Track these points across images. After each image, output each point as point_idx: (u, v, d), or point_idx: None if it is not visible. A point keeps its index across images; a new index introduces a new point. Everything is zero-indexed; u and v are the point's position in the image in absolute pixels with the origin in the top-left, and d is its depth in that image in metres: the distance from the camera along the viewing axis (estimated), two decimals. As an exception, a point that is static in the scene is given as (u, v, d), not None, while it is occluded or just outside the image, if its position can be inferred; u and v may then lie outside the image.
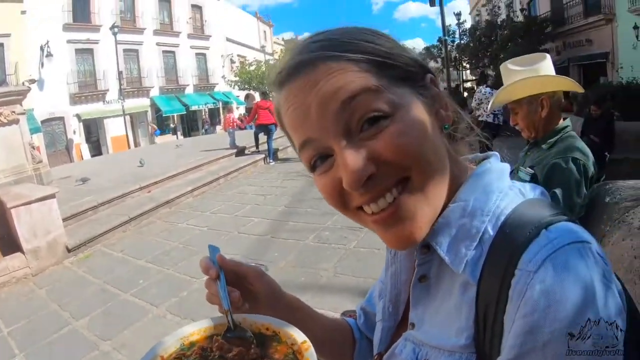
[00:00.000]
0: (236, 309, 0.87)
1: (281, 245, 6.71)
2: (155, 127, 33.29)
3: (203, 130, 39.60)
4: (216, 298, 0.88)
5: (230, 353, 0.78)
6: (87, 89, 34.41)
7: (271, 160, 14.80)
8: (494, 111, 10.87)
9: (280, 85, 0.76)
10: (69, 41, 33.05)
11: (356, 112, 0.68)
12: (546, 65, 2.77)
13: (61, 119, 32.39)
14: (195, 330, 0.86)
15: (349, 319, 1.22)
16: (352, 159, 0.68)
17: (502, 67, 2.94)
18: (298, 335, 0.79)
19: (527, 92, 2.71)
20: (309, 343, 0.76)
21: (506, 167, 0.81)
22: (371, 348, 1.01)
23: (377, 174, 0.69)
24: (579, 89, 2.86)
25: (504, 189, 0.76)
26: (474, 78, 36.90)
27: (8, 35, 27.84)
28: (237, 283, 0.94)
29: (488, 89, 11.98)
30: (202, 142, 21.74)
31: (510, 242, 0.66)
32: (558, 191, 2.48)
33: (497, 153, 0.85)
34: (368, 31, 0.76)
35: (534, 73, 2.74)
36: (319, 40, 0.74)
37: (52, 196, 7.42)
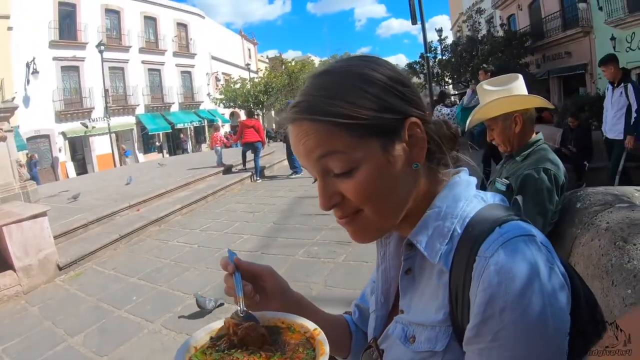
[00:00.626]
0: (249, 299, 1.03)
1: (271, 260, 6.73)
2: (124, 147, 32.86)
3: (180, 150, 39.36)
4: (233, 290, 1.01)
5: (239, 327, 0.92)
6: (73, 106, 34.19)
7: (258, 178, 14.90)
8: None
9: (285, 124, 0.95)
10: (55, 58, 32.93)
11: (328, 164, 0.88)
12: (519, 84, 2.95)
13: (47, 136, 32.15)
14: (221, 325, 0.98)
15: (346, 315, 1.39)
16: (323, 195, 0.91)
17: (478, 88, 3.13)
18: (309, 324, 0.95)
19: (501, 111, 2.89)
20: (319, 330, 0.93)
21: (473, 179, 1.00)
22: (366, 339, 1.20)
23: (340, 203, 0.91)
24: (549, 105, 3.07)
25: (470, 197, 0.94)
26: (456, 92, 37.21)
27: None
28: (251, 281, 1.07)
29: (446, 109, 12.16)
30: (188, 160, 21.78)
31: (472, 237, 0.84)
32: (519, 198, 2.67)
33: (466, 168, 1.03)
34: (348, 82, 0.88)
35: (508, 93, 2.91)
36: (305, 99, 0.89)
37: (43, 214, 7.43)
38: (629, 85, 7.30)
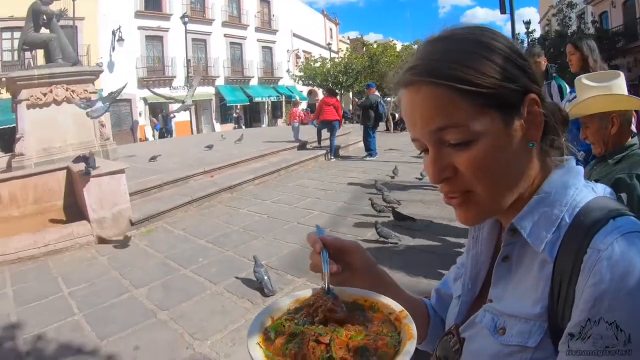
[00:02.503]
0: (335, 276, 0.98)
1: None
2: (155, 120, 33.23)
3: (235, 125, 39.45)
4: (318, 267, 0.98)
5: (325, 301, 0.88)
6: (155, 74, 35.40)
7: (332, 157, 14.83)
8: None
9: (396, 89, 0.90)
10: (139, 27, 34.28)
11: (444, 136, 0.82)
12: (619, 83, 2.78)
13: (128, 100, 33.40)
14: (300, 297, 0.95)
15: (425, 299, 1.32)
16: (435, 167, 0.85)
17: (577, 81, 2.95)
18: (395, 305, 0.90)
19: (598, 109, 2.72)
20: (406, 312, 0.87)
21: (581, 169, 0.92)
22: (442, 325, 1.17)
23: (452, 178, 0.84)
24: None
25: (579, 186, 0.87)
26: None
27: (82, 19, 28.81)
28: (339, 257, 1.03)
29: None
30: (263, 134, 21.97)
31: (583, 228, 0.78)
32: (623, 195, 2.46)
33: (573, 157, 0.94)
34: (490, 51, 0.83)
35: (607, 90, 2.74)
36: (430, 62, 0.83)
37: (121, 171, 7.63)
38: None
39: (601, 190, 0.88)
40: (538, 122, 0.86)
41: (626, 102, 2.74)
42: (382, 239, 6.22)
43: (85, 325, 4.45)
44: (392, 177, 10.89)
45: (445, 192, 0.87)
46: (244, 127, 38.15)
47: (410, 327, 0.82)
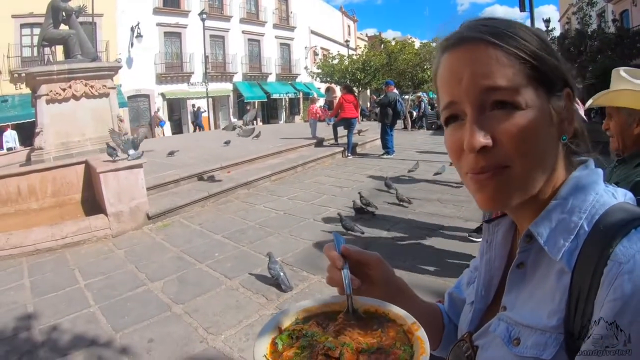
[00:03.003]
0: (354, 290, 0.94)
1: (357, 237, 6.66)
2: (161, 117, 33.21)
3: (246, 121, 39.03)
4: (336, 282, 0.97)
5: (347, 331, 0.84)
6: (173, 70, 35.56)
7: (349, 154, 14.80)
8: None
9: (445, 49, 0.86)
10: (158, 24, 34.39)
11: (495, 97, 0.78)
12: None
13: (147, 96, 33.71)
14: (309, 306, 0.93)
15: (439, 304, 1.30)
16: (476, 130, 0.79)
17: (614, 72, 2.83)
18: (407, 317, 0.87)
19: (624, 103, 2.62)
20: (418, 324, 0.84)
21: (601, 172, 0.89)
22: (456, 331, 1.14)
23: (490, 148, 0.78)
24: None
25: (600, 191, 0.83)
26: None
27: (101, 15, 29.05)
28: (358, 268, 1.01)
29: None
30: (281, 130, 21.98)
31: (604, 237, 0.74)
32: None
33: (592, 159, 0.91)
34: (530, 31, 0.84)
35: None
36: (486, 25, 0.82)
37: (139, 166, 7.68)
38: None
39: (622, 195, 0.85)
40: (571, 118, 0.86)
41: None
42: (346, 230, 6.68)
43: (100, 317, 4.49)
44: (412, 171, 11.17)
45: (479, 167, 0.81)
46: (261, 123, 38.22)
47: (423, 342, 0.79)
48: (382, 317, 0.90)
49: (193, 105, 34.85)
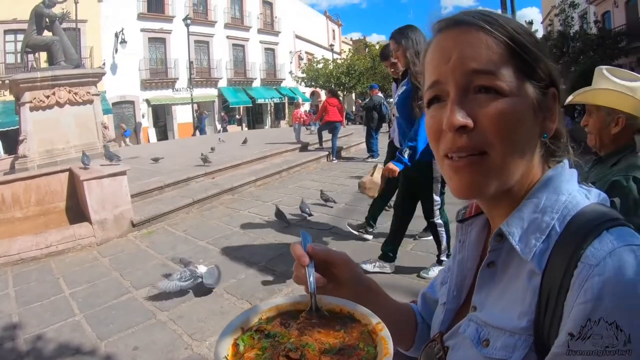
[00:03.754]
0: (319, 288, 0.94)
1: (340, 239, 6.72)
2: (125, 127, 31.84)
3: (221, 128, 38.64)
4: (302, 280, 0.96)
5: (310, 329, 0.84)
6: (158, 76, 35.59)
7: (334, 158, 14.87)
8: None
9: (438, 31, 0.87)
10: (142, 30, 34.50)
11: (480, 80, 0.79)
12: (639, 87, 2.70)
13: (131, 102, 33.69)
14: (273, 306, 0.93)
15: (413, 304, 1.31)
16: (457, 109, 0.79)
17: (597, 70, 2.86)
18: (372, 317, 0.86)
19: (609, 103, 2.64)
20: (383, 324, 0.82)
21: (575, 172, 0.89)
22: (429, 331, 1.14)
23: (469, 130, 0.79)
24: None
25: (573, 192, 0.83)
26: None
27: (85, 21, 28.95)
28: (324, 268, 1.01)
29: None
30: (266, 135, 21.95)
31: (575, 238, 0.74)
32: (617, 200, 2.44)
33: (567, 159, 0.91)
34: (523, 27, 0.85)
35: (626, 90, 2.65)
36: (481, 12, 0.85)
37: (123, 173, 7.67)
38: None
39: (595, 196, 0.85)
40: (554, 117, 0.87)
41: (634, 106, 2.62)
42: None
43: (85, 325, 4.48)
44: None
45: (456, 147, 0.81)
46: (246, 128, 38.26)
47: (387, 342, 0.78)
48: (347, 316, 0.89)
49: (196, 110, 35.09)
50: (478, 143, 0.79)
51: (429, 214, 5.08)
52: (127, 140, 30.18)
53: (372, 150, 14.71)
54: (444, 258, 5.08)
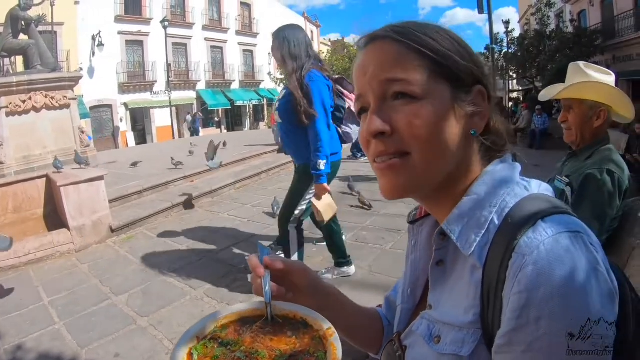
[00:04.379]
0: (279, 298, 0.96)
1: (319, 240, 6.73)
2: (85, 131, 31.94)
3: (190, 129, 38.54)
4: (261, 291, 0.96)
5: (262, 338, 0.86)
6: (136, 79, 35.27)
7: None
8: None
9: (359, 48, 0.92)
10: (120, 32, 34.12)
11: (394, 87, 0.83)
12: (614, 82, 2.75)
13: (109, 106, 33.34)
14: (228, 314, 0.94)
15: (379, 308, 1.34)
16: (375, 118, 0.84)
17: (572, 65, 2.89)
18: (323, 322, 0.87)
19: (592, 96, 2.69)
20: (333, 329, 0.84)
21: (517, 165, 0.92)
22: None
23: (389, 134, 0.83)
24: (632, 117, 2.82)
25: (511, 185, 0.85)
26: (520, 88, 36.04)
27: (61, 24, 28.63)
28: (283, 278, 1.02)
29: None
30: (245, 137, 21.90)
31: (510, 230, 0.76)
32: (567, 189, 2.56)
33: (510, 154, 0.94)
34: (437, 29, 0.89)
35: (610, 83, 2.71)
36: (396, 26, 0.88)
37: (100, 178, 7.61)
38: None
39: (536, 187, 0.87)
40: (483, 114, 0.88)
41: (625, 104, 2.69)
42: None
43: (65, 334, 4.46)
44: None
45: (378, 152, 0.85)
46: (225, 131, 38.16)
47: (336, 348, 0.79)
48: (300, 322, 0.90)
49: (189, 112, 36.19)
50: (398, 146, 0.83)
51: (286, 213, 4.88)
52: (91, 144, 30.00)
53: (361, 150, 14.67)
54: (294, 258, 4.85)
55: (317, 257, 5.98)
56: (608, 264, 0.73)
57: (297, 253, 4.91)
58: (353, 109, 4.06)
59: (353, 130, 4.90)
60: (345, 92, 4.77)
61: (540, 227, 0.73)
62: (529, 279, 0.68)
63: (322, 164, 4.30)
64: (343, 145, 5.02)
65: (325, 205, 4.54)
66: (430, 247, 0.99)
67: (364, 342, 1.24)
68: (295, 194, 4.80)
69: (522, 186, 0.86)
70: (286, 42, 4.43)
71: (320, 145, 4.28)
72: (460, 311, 0.83)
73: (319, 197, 4.50)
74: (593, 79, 2.73)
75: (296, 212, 4.76)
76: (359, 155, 14.80)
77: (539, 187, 0.87)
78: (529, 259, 0.69)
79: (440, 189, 0.88)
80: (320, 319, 0.88)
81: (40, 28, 12.70)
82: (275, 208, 7.93)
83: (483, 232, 0.81)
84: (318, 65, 4.49)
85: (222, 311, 0.94)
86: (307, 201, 4.72)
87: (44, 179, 8.35)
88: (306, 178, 4.61)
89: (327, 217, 4.58)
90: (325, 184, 4.43)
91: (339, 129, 4.84)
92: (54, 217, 7.91)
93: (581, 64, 2.87)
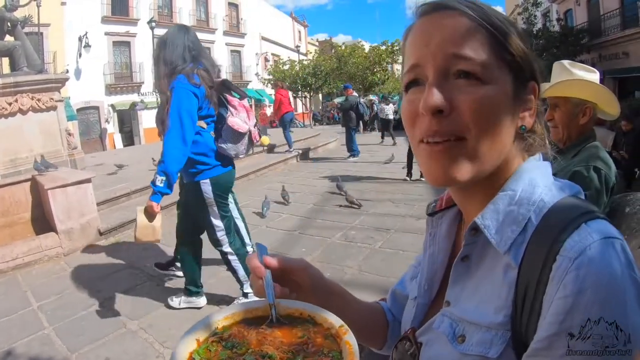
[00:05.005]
0: (284, 298, 0.93)
1: (308, 241, 6.78)
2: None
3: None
4: (262, 293, 0.92)
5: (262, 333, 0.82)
6: (123, 80, 35.17)
7: (292, 149, 15.13)
8: None
9: (420, 14, 0.87)
10: (106, 33, 34.01)
11: (460, 65, 0.79)
12: (598, 80, 2.80)
13: (96, 108, 33.17)
14: (228, 314, 0.89)
15: (382, 302, 1.30)
16: (435, 91, 0.78)
17: (557, 64, 2.94)
18: (335, 320, 0.82)
19: (578, 94, 2.73)
20: (346, 327, 0.80)
21: (549, 165, 0.90)
22: (401, 329, 1.10)
23: (447, 113, 0.78)
24: (617, 114, 2.87)
25: (548, 184, 0.83)
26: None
27: (47, 25, 28.46)
28: (284, 277, 0.99)
29: None
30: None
31: (553, 231, 0.73)
32: (587, 193, 2.51)
33: (540, 152, 0.92)
34: (505, 16, 0.86)
35: (595, 80, 2.76)
36: (467, 0, 0.84)
37: (88, 180, 7.55)
38: None
39: (569, 189, 0.85)
40: (533, 111, 0.87)
41: (610, 101, 2.73)
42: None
43: (55, 338, 4.43)
44: (387, 162, 12.60)
45: (432, 131, 0.80)
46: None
47: (352, 346, 0.75)
48: (308, 321, 0.86)
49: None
50: (455, 128, 0.79)
51: (215, 243, 4.60)
52: (78, 146, 29.80)
53: (353, 150, 14.89)
54: (248, 290, 4.63)
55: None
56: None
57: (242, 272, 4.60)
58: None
59: (228, 147, 4.32)
60: (231, 98, 4.40)
61: (584, 231, 0.71)
62: (574, 283, 0.66)
63: (160, 181, 3.93)
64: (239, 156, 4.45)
65: (147, 226, 4.15)
66: (449, 240, 1.01)
67: (368, 338, 1.22)
68: (200, 215, 4.56)
69: (558, 187, 0.84)
70: (163, 45, 4.12)
71: (164, 159, 3.91)
72: (489, 311, 0.80)
73: (146, 213, 4.12)
74: (578, 76, 2.78)
75: (218, 232, 4.50)
76: (349, 155, 14.88)
77: (572, 190, 0.85)
78: (575, 263, 0.68)
79: (479, 181, 0.84)
80: (329, 317, 0.84)
81: (27, 29, 12.59)
82: (265, 209, 7.96)
83: (520, 230, 0.79)
84: (198, 69, 4.09)
85: (222, 311, 0.90)
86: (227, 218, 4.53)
87: (31, 182, 8.30)
88: (193, 195, 4.45)
89: (142, 237, 4.17)
90: (156, 204, 4.05)
91: (217, 143, 4.32)
92: (42, 221, 7.85)
93: (566, 62, 2.92)
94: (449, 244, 1.00)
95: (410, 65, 0.85)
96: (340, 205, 8.60)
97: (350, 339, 0.77)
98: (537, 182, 0.83)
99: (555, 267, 0.69)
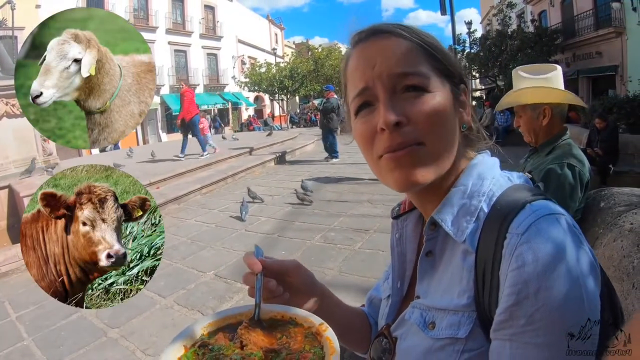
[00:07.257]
0: (277, 298, 1.02)
1: (288, 243, 6.79)
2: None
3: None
4: (254, 285, 0.98)
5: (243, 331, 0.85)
6: (98, 84, 34.72)
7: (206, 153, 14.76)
8: None
9: (357, 42, 0.95)
10: (82, 37, 33.47)
11: (407, 81, 0.87)
12: (556, 76, 2.91)
13: (70, 113, 32.69)
14: (213, 320, 0.93)
15: (363, 308, 1.36)
16: (389, 109, 0.85)
17: (513, 73, 3.08)
18: (314, 319, 0.88)
19: (531, 100, 2.85)
20: (326, 325, 0.85)
21: (496, 160, 0.99)
22: None
23: (404, 125, 0.85)
24: (581, 104, 2.98)
25: (496, 176, 0.92)
26: (482, 87, 36.57)
27: (22, 29, 28.03)
28: (277, 277, 1.05)
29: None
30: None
31: (501, 215, 0.82)
32: (540, 184, 2.60)
33: (488, 150, 1.01)
34: (430, 34, 0.95)
35: (543, 82, 2.86)
36: (397, 24, 0.93)
37: (64, 187, 7.47)
38: None
39: (517, 178, 0.93)
40: (468, 110, 0.96)
41: (560, 96, 2.86)
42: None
43: (35, 349, 4.39)
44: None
45: (397, 143, 0.85)
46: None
47: (332, 341, 0.79)
48: (289, 322, 0.90)
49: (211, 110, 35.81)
50: (414, 136, 0.84)
51: None
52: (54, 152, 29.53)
53: (334, 151, 14.82)
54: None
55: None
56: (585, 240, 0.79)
57: None
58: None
59: None
60: None
61: (529, 209, 0.79)
62: (525, 255, 0.73)
63: None
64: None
65: None
66: (415, 239, 1.07)
67: (354, 342, 1.28)
68: None
69: (506, 177, 0.93)
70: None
71: None
72: (453, 295, 0.86)
73: None
74: (526, 85, 2.92)
75: None
76: (327, 157, 14.87)
77: (519, 179, 0.94)
78: (523, 238, 0.75)
79: (434, 182, 0.89)
80: (310, 317, 0.89)
81: (0, 33, 12.43)
82: (244, 212, 7.95)
83: (474, 219, 0.86)
84: None
85: (207, 317, 0.94)
86: None
87: (6, 190, 8.20)
88: None
89: None
90: None
91: None
92: (18, 229, 7.74)
93: (519, 70, 3.08)
94: (416, 244, 1.06)
95: (360, 90, 0.91)
96: (295, 204, 8.85)
97: (330, 335, 0.82)
98: (485, 175, 0.91)
99: (506, 244, 0.77)
